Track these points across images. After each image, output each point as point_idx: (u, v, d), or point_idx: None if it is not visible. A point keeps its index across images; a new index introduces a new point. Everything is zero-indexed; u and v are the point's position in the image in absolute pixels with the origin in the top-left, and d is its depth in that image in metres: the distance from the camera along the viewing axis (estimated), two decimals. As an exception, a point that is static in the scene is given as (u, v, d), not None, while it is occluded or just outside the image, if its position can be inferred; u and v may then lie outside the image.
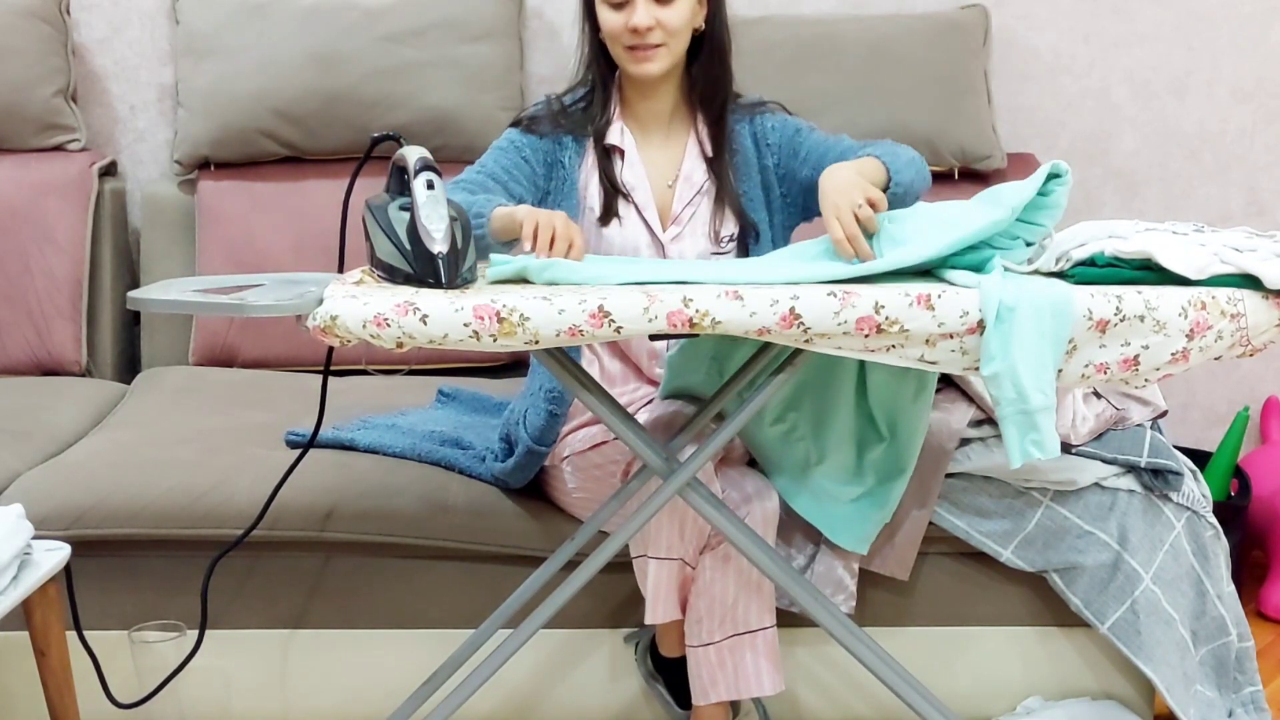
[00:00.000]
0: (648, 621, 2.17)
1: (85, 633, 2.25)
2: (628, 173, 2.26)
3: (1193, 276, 1.81)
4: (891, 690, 2.09)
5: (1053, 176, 1.97)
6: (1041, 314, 1.76)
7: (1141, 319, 1.79)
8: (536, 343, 1.73)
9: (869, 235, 1.94)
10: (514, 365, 2.95)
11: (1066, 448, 2.28)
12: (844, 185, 1.98)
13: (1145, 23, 3.19)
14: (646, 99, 2.27)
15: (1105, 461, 2.32)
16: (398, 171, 1.92)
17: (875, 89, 3.00)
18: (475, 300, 1.72)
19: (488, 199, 2.08)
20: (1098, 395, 2.35)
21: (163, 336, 3.02)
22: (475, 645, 2.21)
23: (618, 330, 1.73)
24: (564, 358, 1.95)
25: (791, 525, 2.31)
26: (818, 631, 2.27)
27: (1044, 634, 2.42)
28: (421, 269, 1.83)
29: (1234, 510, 2.91)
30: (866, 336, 1.77)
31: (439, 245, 1.82)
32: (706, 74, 2.26)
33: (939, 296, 1.77)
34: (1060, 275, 1.87)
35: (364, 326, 1.72)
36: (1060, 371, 1.80)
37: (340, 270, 2.00)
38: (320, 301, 1.75)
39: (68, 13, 3.07)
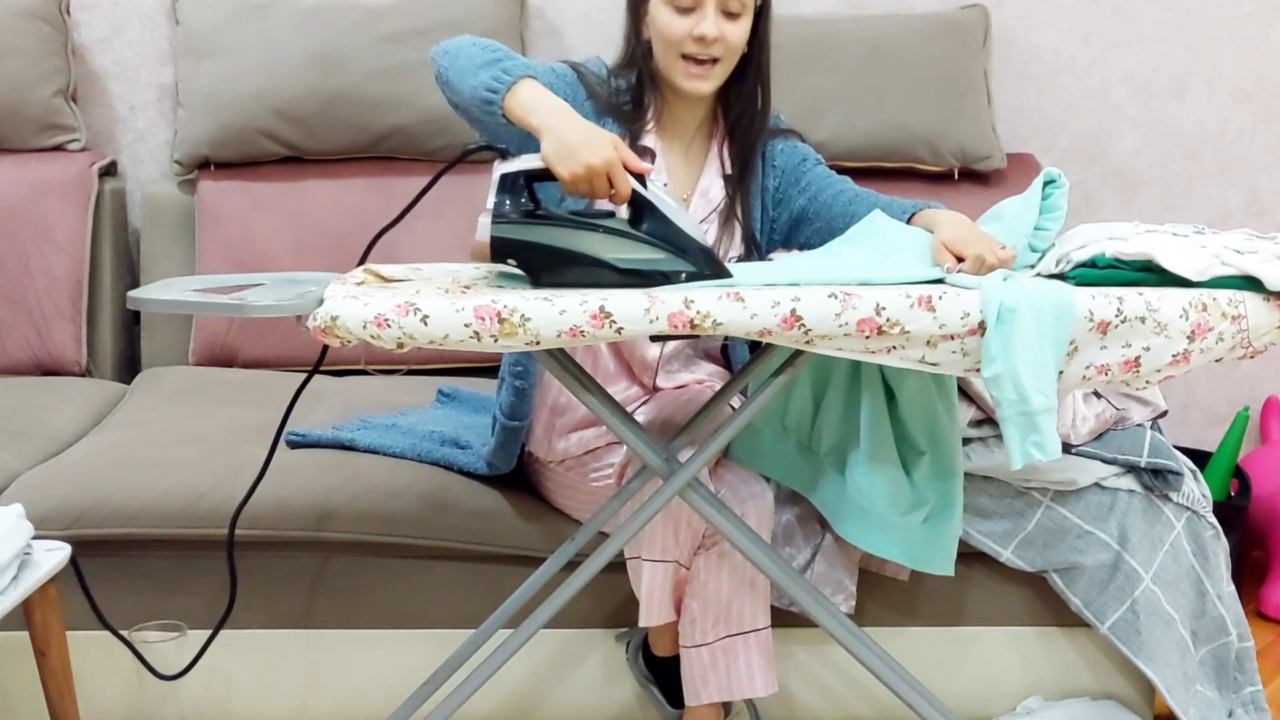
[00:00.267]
0: (642, 624, 2.17)
1: (85, 633, 2.25)
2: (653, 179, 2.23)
3: (1194, 278, 1.81)
4: (891, 690, 2.09)
5: (1048, 182, 1.98)
6: (1042, 315, 1.76)
7: (1143, 320, 1.79)
8: (538, 343, 1.73)
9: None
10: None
11: (1066, 448, 2.28)
12: (980, 236, 1.95)
13: (1145, 23, 3.20)
14: (686, 110, 2.19)
15: (1105, 461, 2.32)
16: (512, 181, 1.87)
17: (875, 89, 3.00)
18: (476, 301, 1.72)
19: (526, 63, 1.95)
20: (1098, 395, 2.35)
21: (163, 336, 3.02)
22: (475, 645, 2.21)
23: (619, 331, 1.73)
24: (565, 358, 1.95)
25: (792, 525, 2.31)
26: (816, 631, 2.27)
27: (1044, 634, 2.42)
28: (700, 264, 1.82)
29: (1234, 510, 2.91)
30: (867, 338, 1.77)
31: (706, 240, 1.83)
32: (748, 99, 2.19)
33: (940, 298, 1.77)
34: (1061, 277, 1.88)
35: (364, 327, 1.72)
36: (1061, 373, 1.80)
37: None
38: (320, 302, 1.75)
39: (68, 13, 3.06)
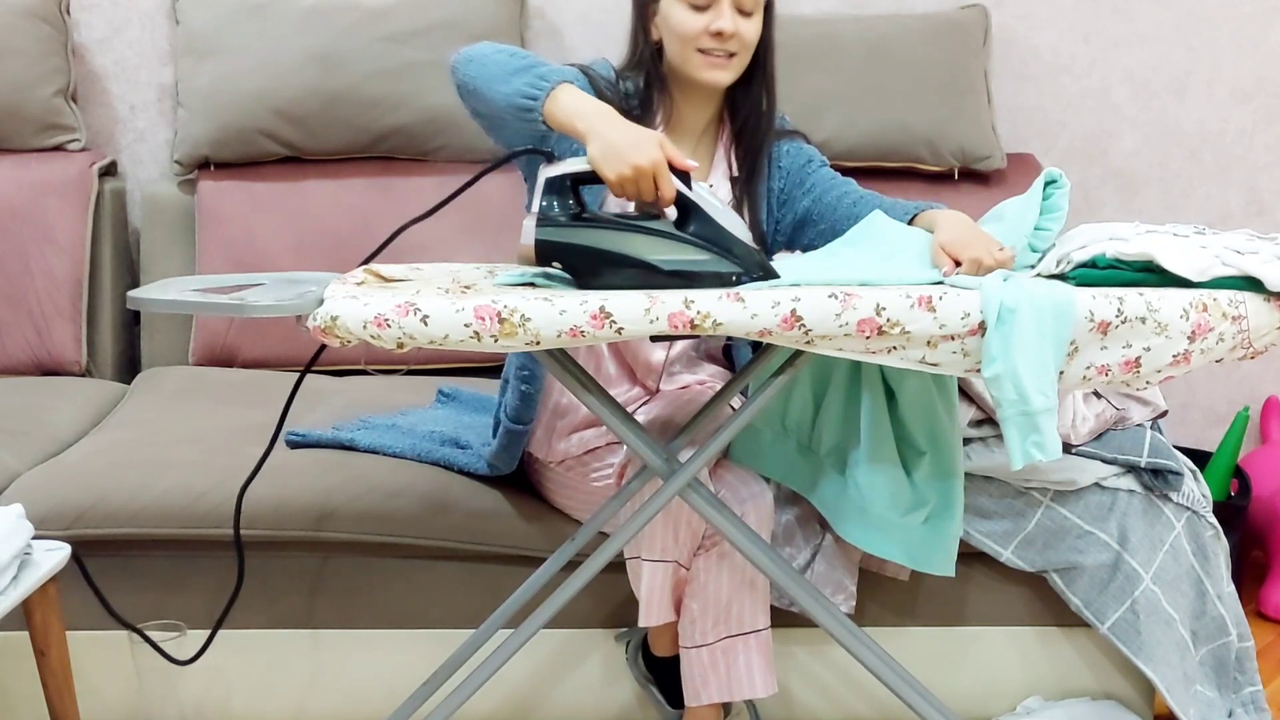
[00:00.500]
0: (641, 624, 2.17)
1: (86, 633, 2.26)
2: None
3: (1194, 279, 1.81)
4: (891, 690, 2.09)
5: (1049, 183, 1.97)
6: (1043, 316, 1.76)
7: (1143, 321, 1.79)
8: (538, 343, 1.73)
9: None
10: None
11: (1066, 448, 2.28)
12: (979, 237, 1.94)
13: (1145, 23, 3.20)
14: (694, 111, 2.19)
15: (1105, 461, 2.32)
16: (558, 185, 1.86)
17: (875, 89, 3.00)
18: (476, 301, 1.72)
19: (558, 67, 1.95)
20: (1098, 395, 2.35)
21: (163, 336, 3.02)
22: (475, 645, 2.20)
23: (619, 331, 1.73)
24: (565, 358, 1.95)
25: (792, 526, 2.31)
26: (816, 631, 2.27)
27: (1044, 634, 2.42)
28: (748, 265, 1.82)
29: (1234, 510, 2.91)
30: (868, 338, 1.77)
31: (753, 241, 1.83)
32: (755, 100, 2.19)
33: (940, 298, 1.77)
34: (1061, 277, 1.88)
35: (364, 327, 1.72)
36: (1062, 373, 1.80)
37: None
38: (321, 302, 1.75)
39: (68, 13, 3.06)
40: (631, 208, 1.90)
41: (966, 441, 2.30)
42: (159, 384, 2.85)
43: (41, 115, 3.02)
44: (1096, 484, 2.32)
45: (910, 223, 2.09)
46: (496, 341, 1.72)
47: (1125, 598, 2.29)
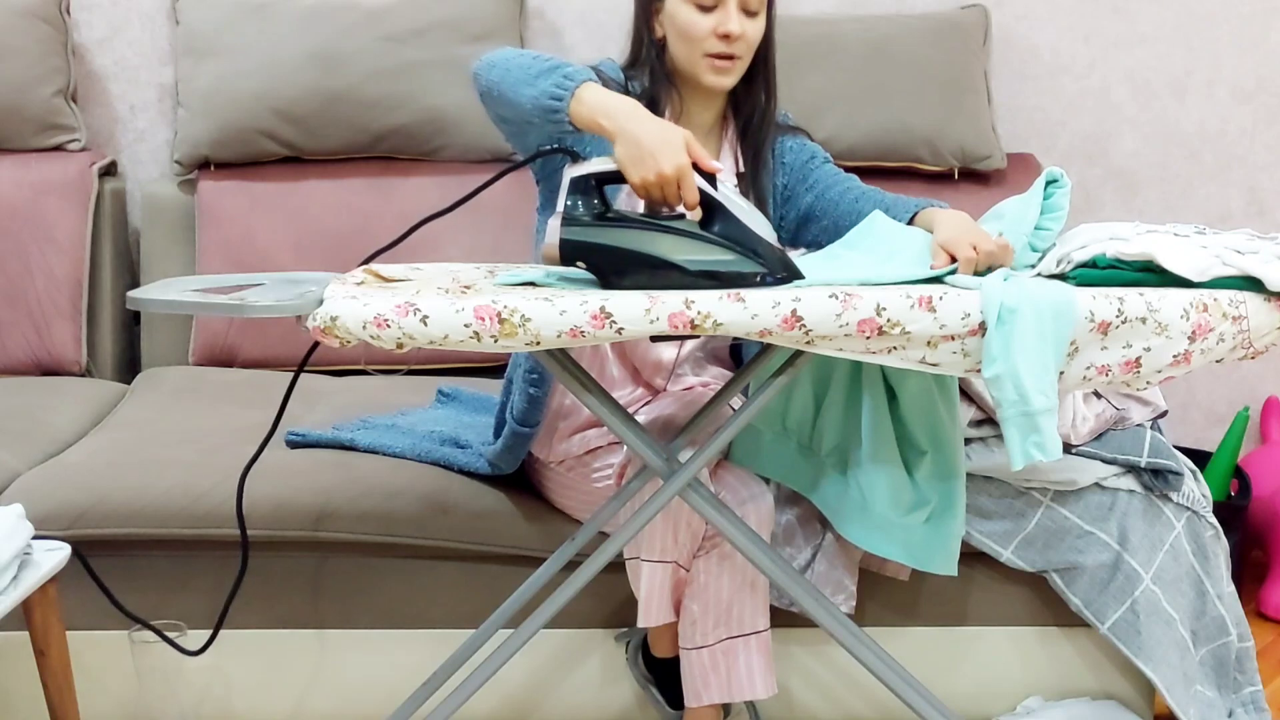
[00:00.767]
0: (640, 624, 2.17)
1: (86, 633, 2.26)
2: None
3: (1194, 279, 1.81)
4: (891, 690, 2.09)
5: (1050, 182, 1.97)
6: (1043, 316, 1.76)
7: (1143, 321, 1.78)
8: (538, 344, 1.72)
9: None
10: (514, 365, 2.95)
11: (1066, 448, 2.28)
12: (976, 233, 1.94)
13: (1145, 23, 3.20)
14: (701, 108, 2.19)
15: (1105, 461, 2.32)
16: (583, 184, 1.85)
17: (875, 89, 3.00)
18: (476, 301, 1.72)
19: (580, 67, 1.93)
20: (1098, 395, 2.35)
21: (163, 336, 3.02)
22: (475, 645, 2.20)
23: (619, 331, 1.73)
24: (565, 358, 1.95)
25: (792, 526, 2.31)
26: (816, 631, 2.27)
27: (1044, 634, 2.42)
28: (773, 265, 1.82)
29: (1234, 510, 2.91)
30: (868, 338, 1.77)
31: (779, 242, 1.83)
32: (756, 97, 2.19)
33: (940, 298, 1.77)
34: (1061, 277, 1.87)
35: (364, 327, 1.71)
36: (1062, 374, 1.80)
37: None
38: (320, 302, 1.75)
39: (68, 13, 3.06)
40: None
41: (966, 441, 2.29)
42: (159, 384, 2.85)
43: (41, 115, 3.02)
44: (1096, 484, 2.32)
45: (910, 221, 2.09)
46: (496, 342, 1.71)
47: (1125, 598, 2.29)
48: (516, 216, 2.79)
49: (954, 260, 1.89)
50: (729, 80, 2.13)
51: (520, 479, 2.37)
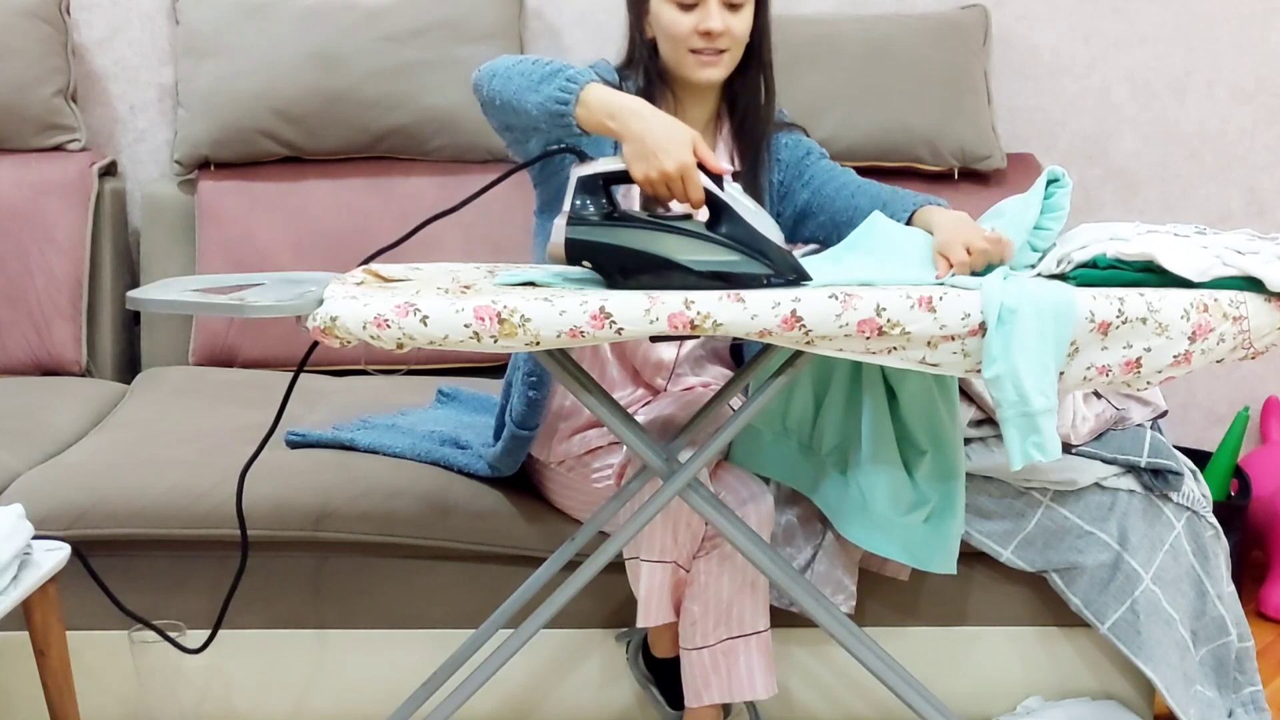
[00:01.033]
0: (640, 624, 2.17)
1: (86, 633, 2.26)
2: None
3: (1195, 279, 1.81)
4: (891, 690, 2.09)
5: (1051, 181, 1.97)
6: (1043, 316, 1.76)
7: (1144, 321, 1.78)
8: (537, 344, 1.72)
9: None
10: (514, 365, 2.95)
11: (1066, 448, 2.28)
12: (971, 231, 1.95)
13: (1145, 23, 3.19)
14: (695, 105, 2.19)
15: (1105, 461, 2.32)
16: (590, 184, 1.85)
17: (875, 89, 3.00)
18: (476, 301, 1.72)
19: (582, 69, 1.93)
20: (1098, 395, 2.35)
21: (163, 336, 3.01)
22: (475, 645, 2.20)
23: (619, 331, 1.73)
24: (565, 359, 1.95)
25: (792, 526, 2.31)
26: (816, 631, 2.27)
27: (1044, 634, 2.42)
28: (779, 266, 1.82)
29: (1234, 510, 2.91)
30: (868, 339, 1.77)
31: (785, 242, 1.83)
32: (753, 90, 2.20)
33: (940, 299, 1.77)
34: (1061, 277, 1.87)
35: (364, 327, 1.71)
36: (1062, 374, 1.80)
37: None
38: (320, 302, 1.75)
39: (68, 13, 3.06)
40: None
41: (966, 441, 2.29)
42: (159, 384, 2.85)
43: (41, 115, 3.01)
44: (1096, 484, 2.32)
45: (909, 220, 2.09)
46: (496, 342, 1.71)
47: (1125, 598, 2.29)
48: (516, 216, 2.78)
49: (952, 265, 1.89)
50: (717, 73, 2.13)
51: (520, 479, 2.37)
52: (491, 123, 2.04)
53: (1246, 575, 3.03)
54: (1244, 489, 2.99)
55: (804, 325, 1.74)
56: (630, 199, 1.93)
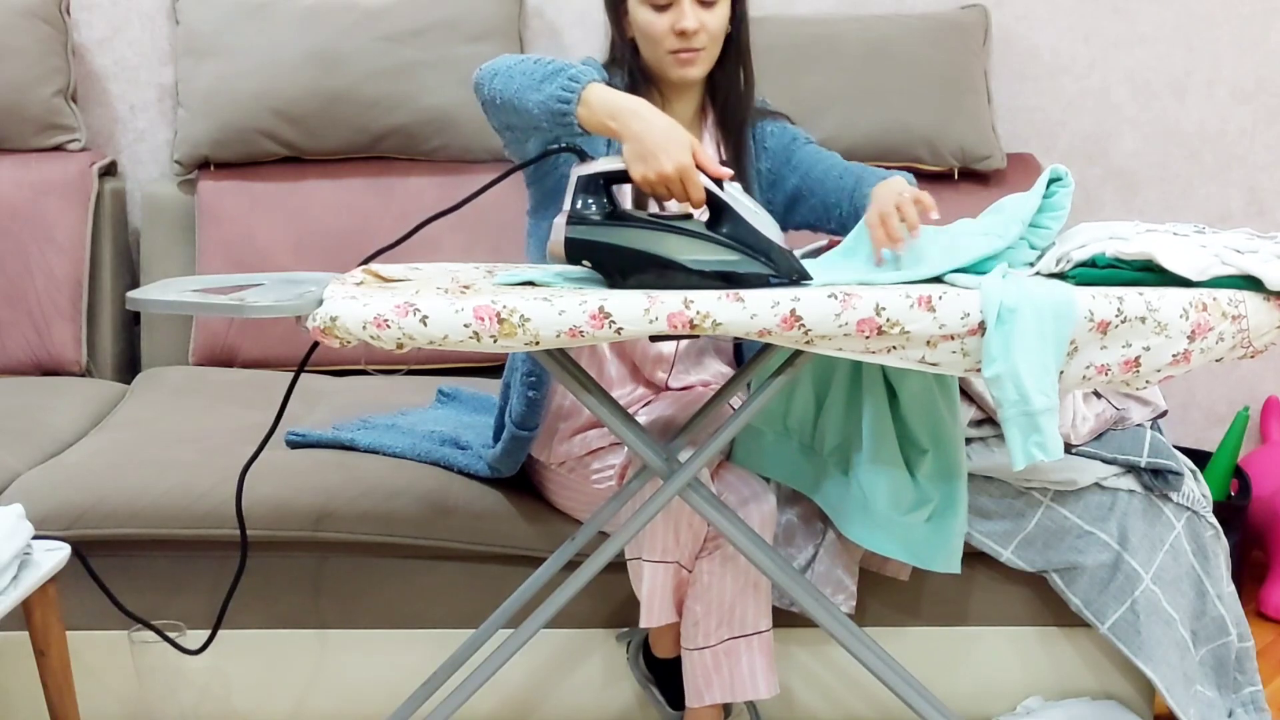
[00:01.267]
0: (642, 624, 2.17)
1: (86, 632, 2.26)
2: None
3: (1194, 278, 1.81)
4: (892, 690, 2.09)
5: (1053, 180, 1.97)
6: (1043, 315, 1.76)
7: (1143, 320, 1.78)
8: (537, 344, 1.72)
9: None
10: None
11: (1067, 448, 2.28)
12: (898, 186, 1.97)
13: (1145, 23, 3.19)
14: (680, 101, 2.21)
15: (1105, 461, 2.32)
16: (590, 183, 1.86)
17: (875, 89, 3.00)
18: (475, 301, 1.72)
19: (582, 67, 1.94)
20: (1098, 395, 2.35)
21: (163, 336, 3.01)
22: (475, 645, 2.20)
23: (618, 331, 1.73)
24: (564, 358, 1.95)
25: (793, 525, 2.31)
26: (816, 631, 2.27)
27: (1044, 634, 2.42)
28: (779, 266, 1.82)
29: (1234, 510, 2.91)
30: (867, 338, 1.77)
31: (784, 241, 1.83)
32: (732, 79, 2.21)
33: (940, 298, 1.77)
34: (1061, 276, 1.87)
35: (364, 328, 1.71)
36: (1062, 373, 1.80)
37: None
38: (320, 302, 1.75)
39: (68, 13, 3.06)
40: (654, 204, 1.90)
41: (967, 441, 2.29)
42: (159, 384, 2.85)
43: (41, 115, 3.02)
44: (1096, 484, 2.32)
45: None
46: (496, 342, 1.71)
47: (1125, 598, 2.29)
48: (516, 217, 2.77)
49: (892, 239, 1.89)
50: (696, 71, 2.14)
51: (521, 479, 2.37)
52: (492, 122, 2.04)
53: (1246, 575, 3.03)
54: (1244, 489, 2.99)
55: (803, 325, 1.74)
56: (624, 197, 1.93)
